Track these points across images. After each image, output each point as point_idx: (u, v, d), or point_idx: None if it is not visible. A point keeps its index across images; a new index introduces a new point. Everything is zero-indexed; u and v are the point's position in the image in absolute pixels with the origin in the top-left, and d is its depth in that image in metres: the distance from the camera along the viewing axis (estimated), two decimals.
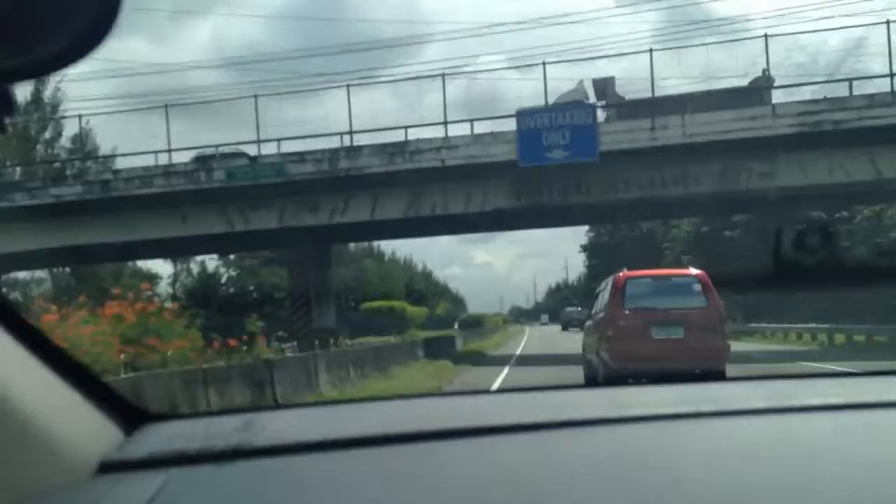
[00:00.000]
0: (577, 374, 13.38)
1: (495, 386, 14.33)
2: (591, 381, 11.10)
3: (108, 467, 1.07)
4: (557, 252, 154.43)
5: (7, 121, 0.77)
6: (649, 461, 1.07)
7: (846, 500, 0.94)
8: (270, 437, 1.16)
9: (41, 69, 0.73)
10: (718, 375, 9.21)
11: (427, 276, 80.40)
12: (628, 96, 23.83)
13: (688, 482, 0.98)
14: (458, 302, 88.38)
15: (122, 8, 0.69)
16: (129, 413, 1.23)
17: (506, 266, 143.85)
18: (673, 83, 28.77)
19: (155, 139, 24.62)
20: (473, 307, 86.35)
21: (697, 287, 10.72)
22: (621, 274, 11.24)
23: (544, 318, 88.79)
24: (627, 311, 10.60)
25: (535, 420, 1.19)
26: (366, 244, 63.88)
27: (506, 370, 19.03)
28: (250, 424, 1.22)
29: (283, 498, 1.00)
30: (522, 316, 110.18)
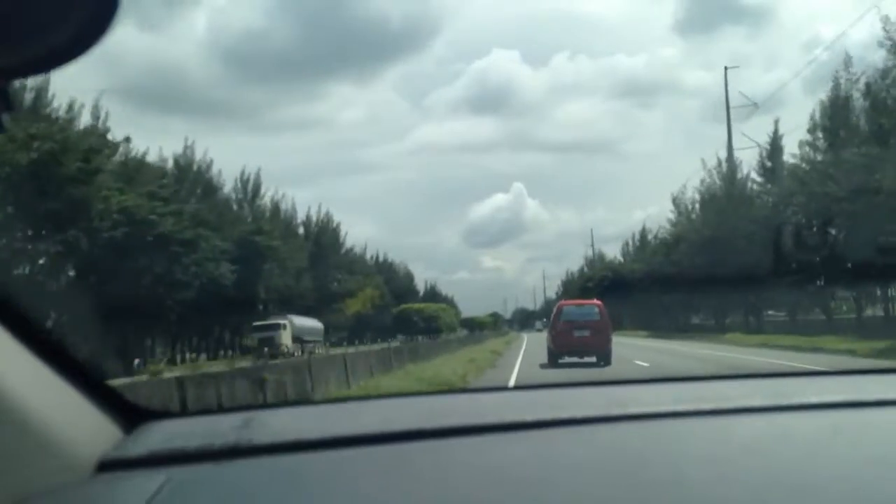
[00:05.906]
0: None
1: None
2: (550, 355, 21.21)
3: (107, 466, 1.06)
4: (567, 255, 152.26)
5: (7, 118, 0.77)
6: (650, 459, 1.07)
7: (845, 497, 0.94)
8: (270, 435, 1.16)
9: (41, 66, 0.72)
10: (605, 356, 19.98)
11: (346, 251, 52.01)
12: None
13: (688, 479, 0.98)
14: (447, 304, 71.72)
15: (122, 3, 0.69)
16: (128, 411, 1.23)
17: (515, 270, 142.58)
18: None
19: None
20: (476, 311, 77.43)
21: (596, 309, 21.52)
22: (561, 302, 23.82)
23: (539, 324, 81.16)
24: (562, 322, 21.09)
25: (536, 418, 1.19)
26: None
27: None
28: (249, 422, 1.22)
29: (282, 496, 1.00)
30: (517, 322, 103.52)
